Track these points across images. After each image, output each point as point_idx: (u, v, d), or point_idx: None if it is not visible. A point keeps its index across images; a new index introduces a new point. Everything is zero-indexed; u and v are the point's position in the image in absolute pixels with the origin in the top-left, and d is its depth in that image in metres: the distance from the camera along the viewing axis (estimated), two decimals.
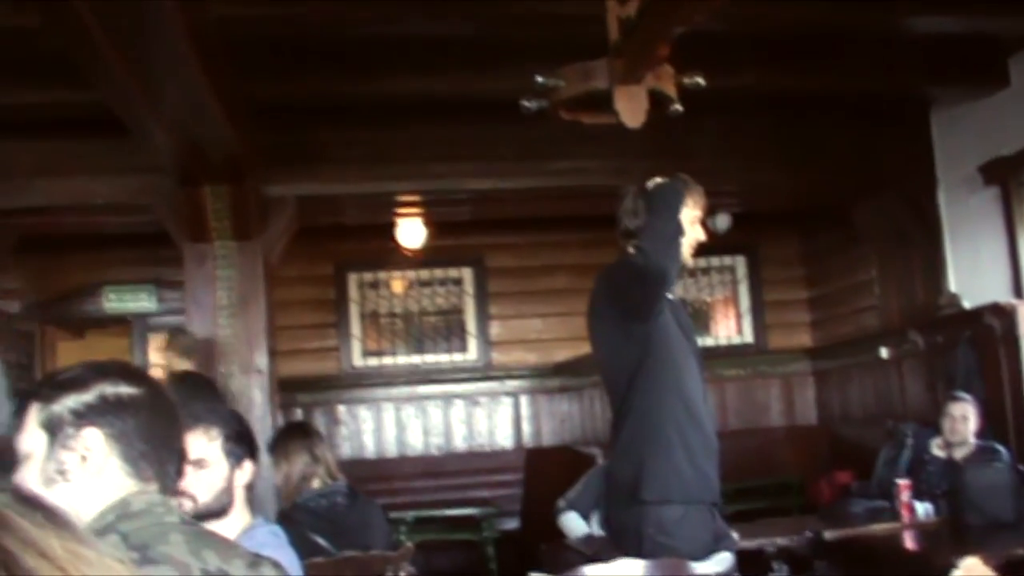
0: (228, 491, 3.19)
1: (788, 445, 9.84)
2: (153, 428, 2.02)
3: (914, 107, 8.11)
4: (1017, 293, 7.35)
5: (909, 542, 5.69)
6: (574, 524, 6.54)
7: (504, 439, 10.49)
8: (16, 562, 0.71)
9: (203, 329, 7.31)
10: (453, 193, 8.42)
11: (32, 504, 0.81)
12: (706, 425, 4.10)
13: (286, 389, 8.59)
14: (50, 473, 1.95)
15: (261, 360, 7.31)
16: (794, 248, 10.64)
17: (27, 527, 0.75)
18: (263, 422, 6.90)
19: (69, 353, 10.31)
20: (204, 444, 3.20)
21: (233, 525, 3.13)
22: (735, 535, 4.12)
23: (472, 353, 10.66)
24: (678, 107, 4.13)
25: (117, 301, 10.25)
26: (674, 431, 4.04)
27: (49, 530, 0.77)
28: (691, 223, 4.22)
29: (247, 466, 3.26)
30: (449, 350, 10.66)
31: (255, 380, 7.26)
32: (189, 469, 3.13)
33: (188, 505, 3.11)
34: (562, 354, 10.04)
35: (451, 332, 10.68)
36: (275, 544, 3.07)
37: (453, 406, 10.48)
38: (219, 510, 3.17)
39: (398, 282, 10.65)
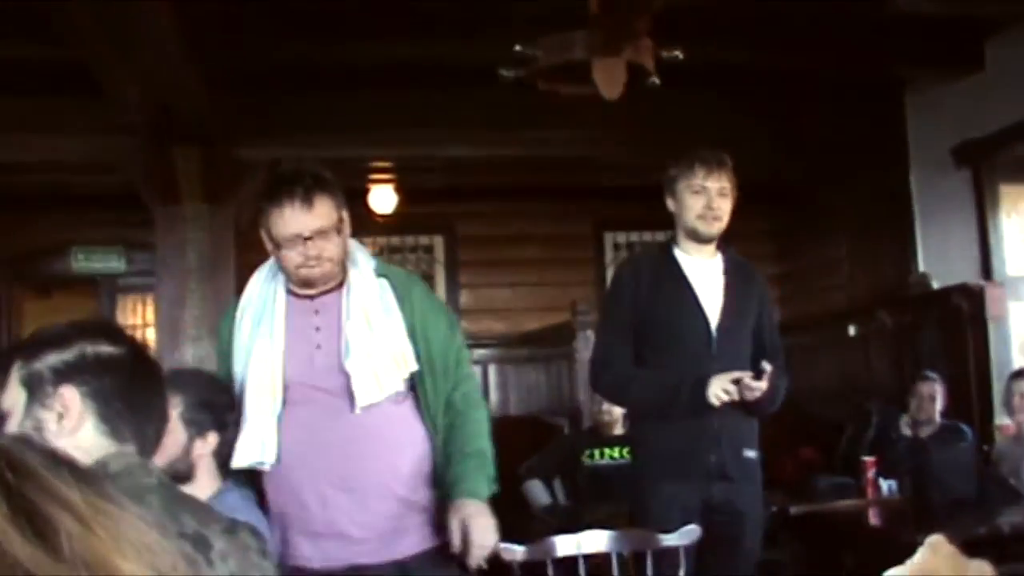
0: (185, 460, 3.13)
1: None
2: (132, 389, 2.01)
3: (888, 88, 8.13)
4: (986, 274, 7.39)
5: (874, 518, 5.74)
6: (536, 491, 6.57)
7: None
8: (38, 512, 0.72)
9: (172, 292, 7.28)
10: (425, 160, 8.40)
11: (57, 459, 0.81)
12: None
13: None
14: (27, 430, 1.95)
15: None
16: (763, 224, 10.65)
17: (50, 479, 0.75)
18: None
19: (35, 313, 10.25)
20: None
21: (199, 493, 3.10)
22: None
23: None
24: (655, 80, 4.13)
25: (85, 261, 10.18)
26: None
27: (72, 484, 0.77)
28: (691, 193, 4.23)
29: (211, 436, 3.20)
30: None
31: None
32: None
33: None
34: (531, 324, 10.03)
35: None
36: (246, 507, 3.06)
37: None
38: (173, 477, 3.13)
39: (368, 248, 10.58)
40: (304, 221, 3.27)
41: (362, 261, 3.53)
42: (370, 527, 3.34)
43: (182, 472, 3.09)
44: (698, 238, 4.27)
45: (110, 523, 0.76)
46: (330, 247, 3.33)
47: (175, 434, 3.07)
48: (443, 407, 3.47)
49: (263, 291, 3.50)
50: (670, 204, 4.29)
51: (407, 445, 3.44)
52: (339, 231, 3.36)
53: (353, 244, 3.54)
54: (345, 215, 3.41)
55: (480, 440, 3.48)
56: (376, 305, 3.42)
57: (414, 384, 3.46)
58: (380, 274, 3.52)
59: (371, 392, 3.32)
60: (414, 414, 3.47)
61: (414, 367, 3.40)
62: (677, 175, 4.25)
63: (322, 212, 3.30)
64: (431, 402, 3.46)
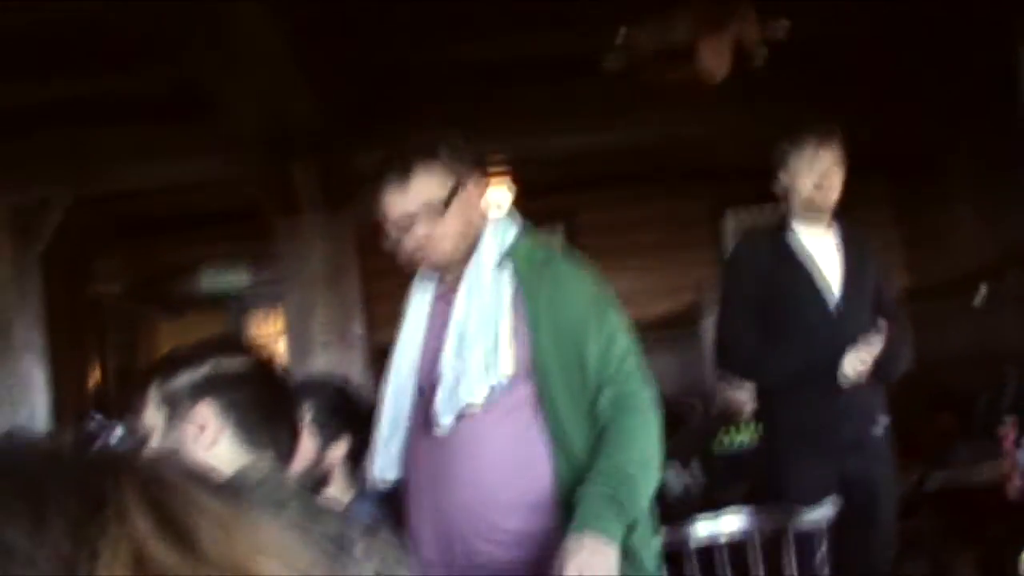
0: (319, 466, 3.16)
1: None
2: (264, 399, 2.09)
3: (1000, 38, 7.95)
4: None
5: (1018, 482, 5.62)
6: (670, 479, 6.54)
7: None
8: (182, 521, 0.74)
9: (299, 302, 7.38)
10: (540, 153, 8.41)
11: (194, 473, 0.84)
12: None
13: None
14: (169, 447, 2.02)
15: (357, 329, 7.37)
16: (883, 190, 10.48)
17: (191, 490, 0.78)
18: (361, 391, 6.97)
19: (169, 333, 10.46)
20: None
21: (336, 497, 3.11)
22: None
23: None
24: (763, 52, 4.11)
25: (214, 279, 10.36)
26: None
27: (212, 494, 0.80)
28: (804, 165, 4.21)
29: (343, 441, 3.22)
30: None
31: (352, 350, 7.32)
32: None
33: None
34: (656, 308, 9.98)
35: None
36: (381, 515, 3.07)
37: None
38: (311, 487, 3.02)
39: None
40: (402, 203, 2.89)
41: (486, 244, 2.95)
42: (463, 568, 2.88)
43: (317, 480, 3.13)
44: (814, 210, 4.24)
45: (249, 527, 0.79)
46: (444, 226, 2.89)
47: (308, 441, 3.07)
48: (587, 414, 2.86)
49: (416, 290, 3.14)
50: (783, 179, 4.28)
51: (512, 467, 2.88)
52: (450, 205, 2.89)
53: (490, 219, 3.04)
54: (467, 184, 2.94)
55: (620, 453, 2.78)
56: (479, 302, 2.89)
57: (539, 390, 2.87)
58: (506, 256, 2.94)
59: (446, 406, 2.85)
60: (529, 428, 2.88)
61: (508, 371, 2.83)
62: (789, 149, 4.24)
63: (423, 188, 2.88)
64: (559, 410, 2.86)
